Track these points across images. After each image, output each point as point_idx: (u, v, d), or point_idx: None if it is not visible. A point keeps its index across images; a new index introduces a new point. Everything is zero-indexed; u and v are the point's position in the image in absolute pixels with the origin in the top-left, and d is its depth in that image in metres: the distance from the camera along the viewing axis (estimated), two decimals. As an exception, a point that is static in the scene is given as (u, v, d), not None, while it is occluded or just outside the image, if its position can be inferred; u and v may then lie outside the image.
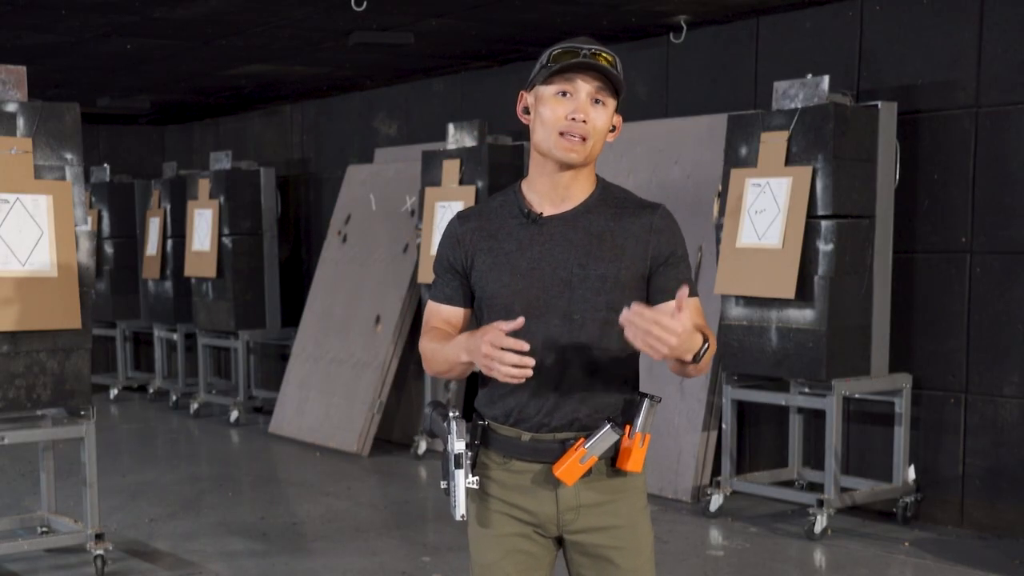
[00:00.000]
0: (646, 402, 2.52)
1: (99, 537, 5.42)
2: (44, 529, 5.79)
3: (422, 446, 8.13)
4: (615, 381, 2.54)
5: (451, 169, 7.80)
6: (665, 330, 2.26)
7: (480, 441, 2.58)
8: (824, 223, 5.87)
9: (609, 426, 2.48)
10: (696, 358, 2.39)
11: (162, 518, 6.54)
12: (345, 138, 10.18)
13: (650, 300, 2.54)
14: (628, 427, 2.52)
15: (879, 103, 6.02)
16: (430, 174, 7.99)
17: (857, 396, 6.30)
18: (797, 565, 5.62)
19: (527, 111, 2.54)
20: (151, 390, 11.13)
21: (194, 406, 10.07)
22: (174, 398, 10.60)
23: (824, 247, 5.87)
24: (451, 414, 2.52)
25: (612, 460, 2.54)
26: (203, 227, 9.77)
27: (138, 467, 8.04)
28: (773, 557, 5.68)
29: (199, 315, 10.02)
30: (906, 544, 5.82)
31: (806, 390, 6.18)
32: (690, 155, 7.09)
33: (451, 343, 2.52)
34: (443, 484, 2.55)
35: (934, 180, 6.14)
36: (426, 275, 7.82)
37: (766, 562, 5.60)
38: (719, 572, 5.50)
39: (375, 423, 8.34)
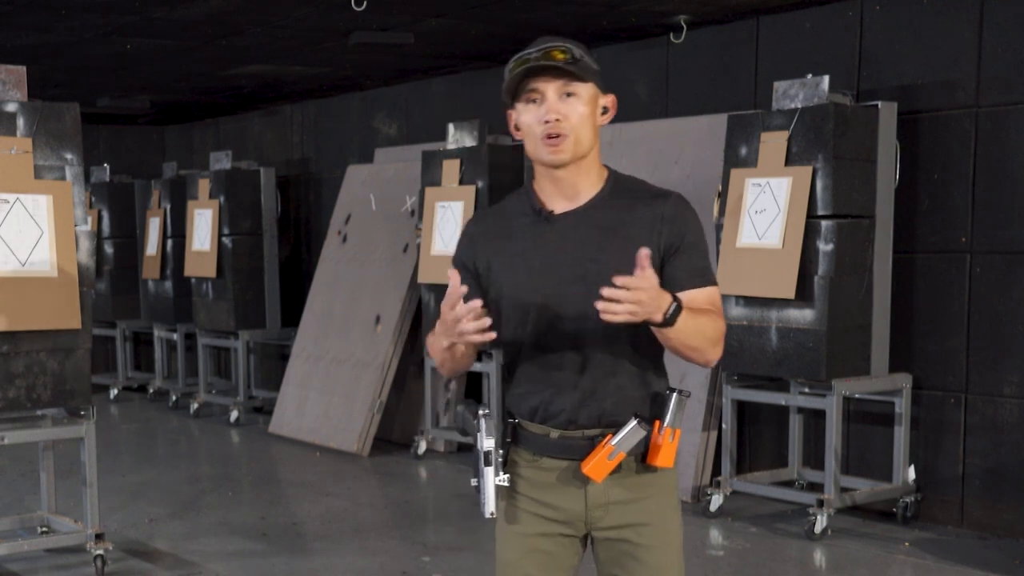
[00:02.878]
0: (675, 396, 2.51)
1: (99, 537, 5.42)
2: (44, 529, 5.79)
3: (422, 446, 8.13)
4: (642, 375, 2.52)
5: (451, 169, 7.80)
6: (630, 289, 2.27)
7: (510, 439, 2.57)
8: (824, 223, 5.87)
9: (636, 422, 2.47)
10: (667, 319, 2.34)
11: (162, 518, 6.54)
12: (345, 138, 10.18)
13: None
14: (657, 422, 2.51)
15: (879, 103, 6.01)
16: (430, 174, 7.99)
17: (857, 396, 6.30)
18: (797, 565, 5.61)
19: (518, 127, 2.55)
20: (151, 390, 11.13)
21: (194, 406, 10.07)
22: (174, 398, 10.60)
23: (824, 247, 5.87)
24: (481, 412, 2.52)
25: (642, 456, 2.52)
26: (203, 227, 9.77)
27: (138, 467, 8.04)
28: (773, 557, 5.68)
29: (199, 315, 10.02)
30: (906, 544, 5.82)
31: (806, 390, 6.18)
32: (690, 155, 7.09)
33: (436, 334, 2.54)
34: (473, 482, 2.55)
35: (934, 180, 6.14)
36: (426, 275, 7.83)
37: (766, 562, 5.60)
38: (719, 572, 5.49)
39: (375, 423, 8.34)
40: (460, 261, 2.63)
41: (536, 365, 2.53)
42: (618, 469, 2.50)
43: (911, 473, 6.18)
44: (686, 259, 2.50)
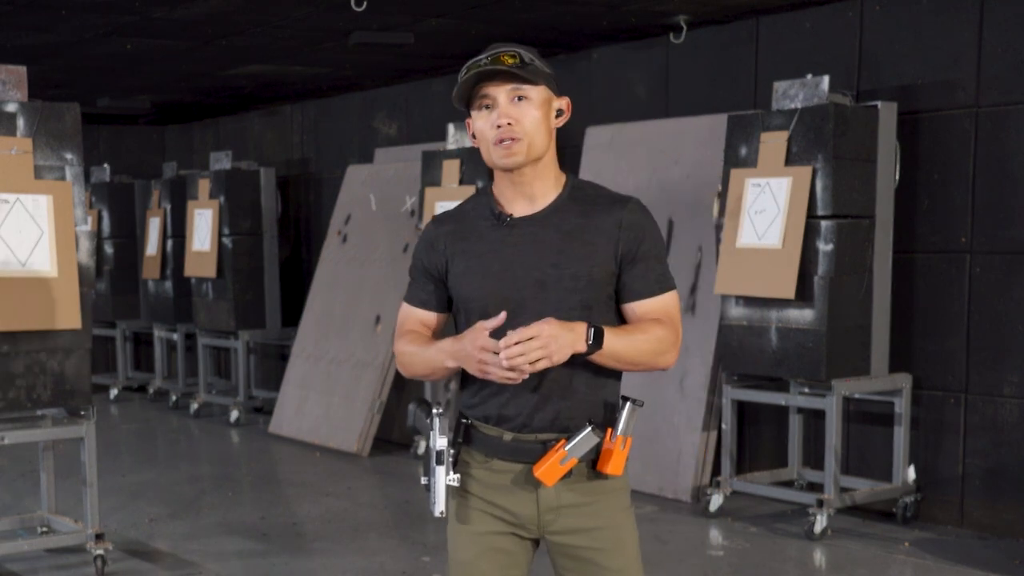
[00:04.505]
0: (628, 405, 2.52)
1: (99, 537, 5.42)
2: (44, 529, 5.79)
3: (422, 446, 8.12)
4: (593, 381, 2.53)
5: (451, 169, 7.81)
6: (529, 341, 2.34)
7: (463, 439, 2.58)
8: (824, 223, 5.87)
9: (590, 428, 2.49)
10: (591, 347, 2.40)
11: (162, 518, 6.54)
12: (345, 138, 10.18)
13: (619, 298, 2.55)
14: (610, 430, 2.52)
15: (879, 103, 6.02)
16: (430, 174, 8.00)
17: (857, 396, 6.30)
18: (797, 565, 5.62)
19: (475, 135, 2.56)
20: (151, 390, 11.13)
21: (194, 406, 10.07)
22: (174, 398, 10.60)
23: (824, 247, 5.87)
24: (434, 411, 2.53)
25: (593, 462, 2.54)
26: (203, 227, 9.77)
27: (138, 467, 8.04)
28: (773, 557, 5.68)
29: (199, 315, 10.02)
30: (906, 544, 5.82)
31: (806, 390, 6.18)
32: (690, 155, 7.09)
33: (432, 348, 2.54)
34: (423, 480, 2.56)
35: (934, 180, 6.14)
36: (426, 275, 7.82)
37: (766, 562, 5.60)
38: (719, 572, 5.50)
39: (375, 423, 8.34)
40: (421, 265, 2.63)
41: None
42: (569, 474, 2.51)
43: (911, 473, 6.18)
44: (643, 267, 2.53)
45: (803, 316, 5.93)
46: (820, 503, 5.89)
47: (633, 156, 7.37)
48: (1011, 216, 5.85)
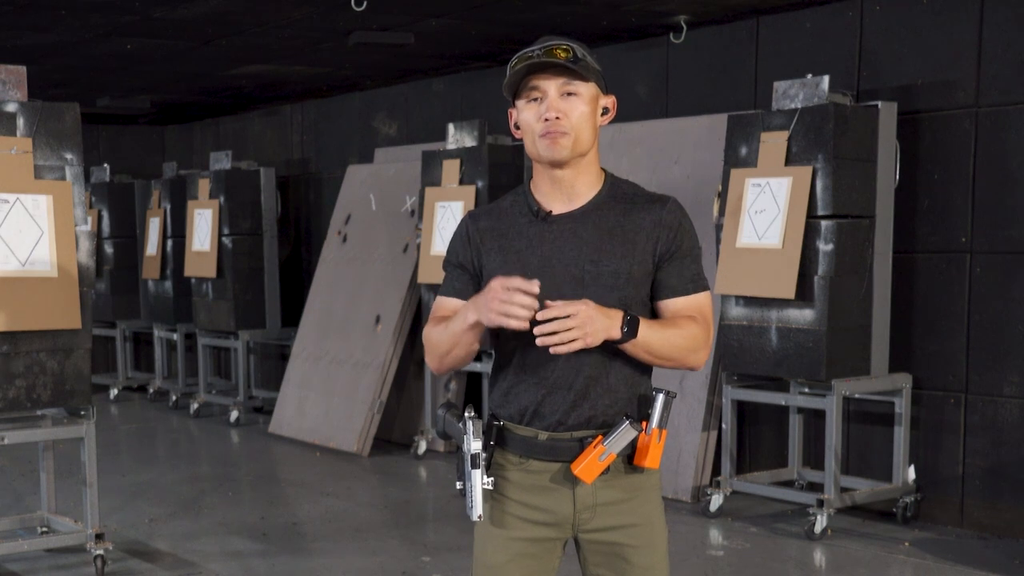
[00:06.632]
0: (661, 396, 2.51)
1: (99, 537, 5.42)
2: (44, 529, 5.78)
3: (422, 446, 8.13)
4: (630, 377, 2.53)
5: (451, 169, 7.80)
6: (565, 319, 2.34)
7: (496, 441, 2.56)
8: (824, 223, 5.87)
9: (628, 422, 2.48)
10: (625, 334, 2.39)
11: (162, 518, 6.54)
12: (345, 138, 10.18)
13: (653, 295, 2.54)
14: (644, 423, 2.51)
15: (879, 103, 6.02)
16: (430, 174, 8.00)
17: (857, 396, 6.30)
18: (797, 565, 5.62)
19: (517, 126, 2.56)
20: (151, 390, 11.13)
21: (194, 406, 10.07)
22: (174, 398, 10.60)
23: (824, 247, 5.87)
24: (467, 414, 2.52)
25: (629, 457, 2.53)
26: (203, 227, 9.77)
27: (138, 467, 8.04)
28: (773, 557, 5.68)
29: (199, 315, 10.02)
30: (906, 544, 5.82)
31: (806, 390, 6.18)
32: (690, 155, 7.09)
33: (455, 315, 2.50)
34: (459, 485, 2.54)
35: (934, 180, 6.14)
36: (426, 275, 7.83)
37: (766, 562, 5.60)
38: (719, 572, 5.49)
39: (375, 423, 8.34)
40: (456, 259, 2.61)
41: (530, 365, 2.52)
42: (606, 471, 2.50)
43: (911, 473, 6.18)
44: (679, 266, 2.53)
45: (803, 316, 5.93)
46: (820, 503, 5.89)
47: (633, 156, 7.37)
48: (1011, 216, 5.85)
